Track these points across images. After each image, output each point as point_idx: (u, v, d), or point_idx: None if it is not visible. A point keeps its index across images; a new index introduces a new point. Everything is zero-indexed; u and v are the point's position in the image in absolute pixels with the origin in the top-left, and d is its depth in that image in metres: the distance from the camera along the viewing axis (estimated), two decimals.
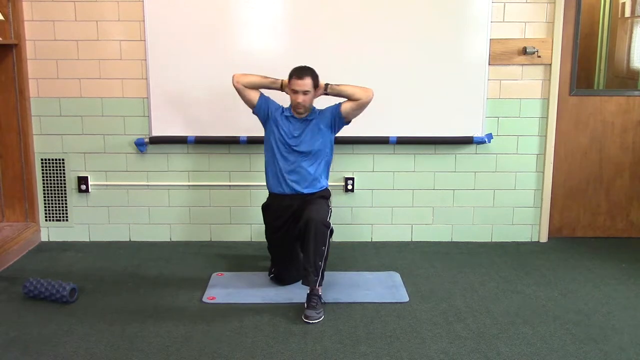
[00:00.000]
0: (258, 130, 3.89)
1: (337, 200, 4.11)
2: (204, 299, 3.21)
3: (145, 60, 3.92)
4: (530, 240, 4.25)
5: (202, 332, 2.84)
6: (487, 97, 4.01)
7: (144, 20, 3.87)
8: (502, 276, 3.59)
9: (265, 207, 3.38)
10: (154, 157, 4.07)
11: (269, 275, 3.47)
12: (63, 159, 4.08)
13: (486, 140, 4.04)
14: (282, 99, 3.38)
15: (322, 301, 3.07)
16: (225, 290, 3.34)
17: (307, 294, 3.05)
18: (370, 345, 2.74)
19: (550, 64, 4.00)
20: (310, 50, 3.85)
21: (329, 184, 3.43)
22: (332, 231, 3.12)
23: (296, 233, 3.19)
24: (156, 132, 4.00)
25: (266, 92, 3.40)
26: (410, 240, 4.22)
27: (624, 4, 4.31)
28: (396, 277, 3.55)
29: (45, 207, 4.13)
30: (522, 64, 4.00)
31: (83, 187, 4.09)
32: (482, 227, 4.22)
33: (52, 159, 4.08)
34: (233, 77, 3.33)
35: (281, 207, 3.29)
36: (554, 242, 4.23)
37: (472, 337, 2.82)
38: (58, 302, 3.13)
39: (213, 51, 3.89)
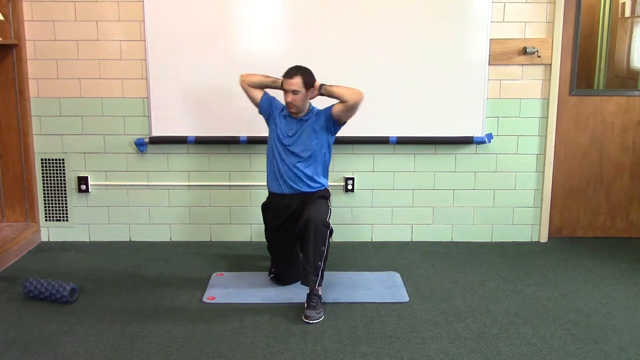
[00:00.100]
0: (258, 130, 3.91)
1: (337, 200, 4.11)
2: (204, 299, 3.21)
3: (146, 60, 3.92)
4: (530, 240, 4.25)
5: (202, 332, 2.84)
6: (487, 97, 4.01)
7: (144, 20, 3.87)
8: (502, 276, 3.59)
9: (264, 207, 3.38)
10: (154, 157, 4.07)
11: (269, 275, 3.47)
12: (63, 159, 4.08)
13: (486, 140, 4.04)
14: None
15: (322, 301, 3.08)
16: (225, 290, 3.34)
17: (307, 294, 3.05)
18: (371, 345, 2.74)
19: (550, 64, 4.00)
20: (310, 50, 3.85)
21: (329, 183, 3.43)
22: (331, 231, 3.13)
23: (296, 233, 3.19)
24: (156, 132, 4.00)
25: (272, 92, 3.40)
26: (410, 240, 4.23)
27: (624, 4, 4.31)
28: (396, 277, 3.55)
29: (45, 207, 4.13)
30: (522, 64, 4.00)
31: (83, 187, 4.09)
32: (482, 227, 4.22)
33: (52, 159, 4.08)
34: (239, 77, 3.42)
35: (280, 206, 3.29)
36: (554, 242, 4.23)
37: (472, 337, 2.82)
38: (58, 302, 3.13)
39: (213, 51, 3.89)
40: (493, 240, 4.24)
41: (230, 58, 3.89)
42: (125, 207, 4.14)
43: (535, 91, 4.05)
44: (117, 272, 3.61)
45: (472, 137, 4.04)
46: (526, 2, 3.93)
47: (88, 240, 4.17)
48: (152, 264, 3.75)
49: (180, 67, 3.91)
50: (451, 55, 3.95)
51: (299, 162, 3.24)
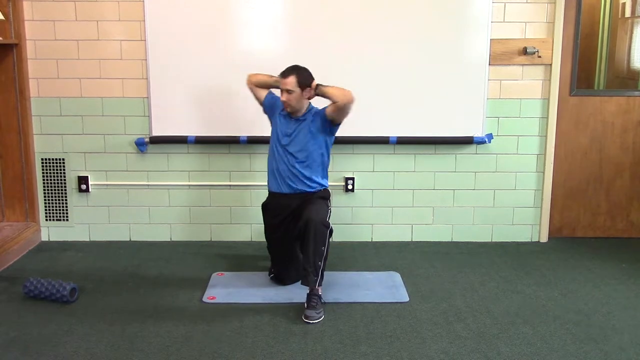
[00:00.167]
0: (258, 130, 3.92)
1: (338, 200, 4.12)
2: (204, 299, 3.21)
3: (146, 60, 3.92)
4: (530, 240, 4.25)
5: (203, 332, 2.84)
6: (487, 97, 4.01)
7: (144, 20, 3.87)
8: (502, 276, 3.59)
9: (264, 206, 3.39)
10: (154, 156, 4.07)
11: (269, 275, 3.47)
12: (63, 159, 4.08)
13: (486, 140, 4.04)
14: None
15: (322, 301, 3.08)
16: (225, 290, 3.34)
17: (307, 294, 3.05)
18: (371, 345, 2.74)
19: (551, 64, 4.00)
20: (310, 50, 3.85)
21: (329, 183, 3.43)
22: (331, 231, 3.13)
23: (296, 233, 3.19)
24: (156, 132, 4.00)
25: (278, 92, 3.40)
26: (410, 240, 4.23)
27: (624, 4, 4.31)
28: (396, 277, 3.55)
29: (45, 206, 4.13)
30: (523, 64, 4.00)
31: (83, 186, 4.09)
32: (482, 227, 4.22)
33: (53, 159, 4.08)
34: (246, 77, 3.50)
35: (279, 205, 3.30)
36: (554, 242, 4.23)
37: (472, 337, 2.82)
38: (58, 302, 3.13)
39: (213, 51, 3.89)
40: (493, 240, 4.24)
41: (230, 58, 3.89)
42: (125, 207, 4.14)
43: (535, 91, 4.05)
44: (117, 271, 3.62)
45: (472, 137, 4.04)
46: (526, 2, 3.93)
47: (88, 240, 4.17)
48: (152, 263, 3.75)
49: (181, 67, 3.91)
50: (451, 55, 3.94)
51: (296, 162, 3.24)
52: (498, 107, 4.05)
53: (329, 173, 3.45)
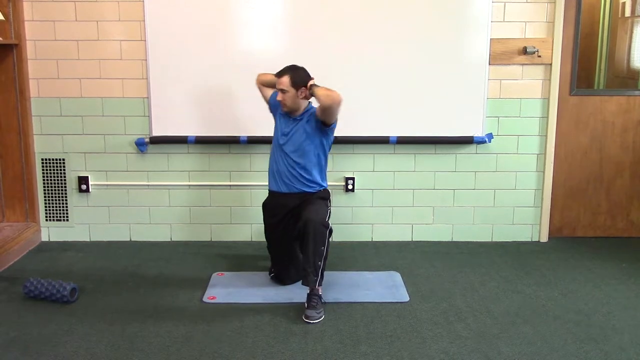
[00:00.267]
0: (258, 130, 3.92)
1: (338, 200, 4.12)
2: (205, 299, 3.21)
3: (146, 60, 3.92)
4: (530, 240, 4.25)
5: (203, 332, 2.84)
6: (487, 97, 4.01)
7: (144, 20, 3.87)
8: (503, 276, 3.59)
9: (263, 206, 3.40)
10: (155, 157, 4.07)
11: (270, 275, 3.47)
12: (63, 159, 4.08)
13: (486, 140, 4.04)
14: None
15: (323, 301, 3.08)
16: (225, 290, 3.34)
17: (307, 293, 3.05)
18: (371, 345, 2.74)
19: (551, 64, 4.00)
20: (310, 50, 3.85)
21: (329, 183, 3.43)
22: (331, 231, 3.12)
23: (295, 233, 3.20)
24: (156, 132, 4.00)
25: None
26: (410, 240, 4.23)
27: (624, 3, 4.31)
28: (396, 276, 3.55)
29: (45, 207, 4.13)
30: (523, 64, 4.00)
31: (83, 187, 4.09)
32: (483, 227, 4.22)
33: (53, 159, 4.08)
34: (256, 76, 3.58)
35: (278, 205, 3.31)
36: (555, 242, 4.23)
37: (472, 337, 2.82)
38: (58, 302, 3.13)
39: (213, 51, 3.89)
40: (493, 240, 4.24)
41: (230, 58, 3.89)
42: (125, 207, 4.14)
43: (535, 91, 4.05)
44: (117, 272, 3.62)
45: (472, 136, 4.04)
46: (526, 2, 3.93)
47: (88, 240, 4.17)
48: (152, 263, 3.75)
49: (181, 67, 3.91)
50: (451, 55, 3.94)
51: (293, 161, 3.24)
52: (498, 106, 4.05)
53: (329, 173, 3.45)
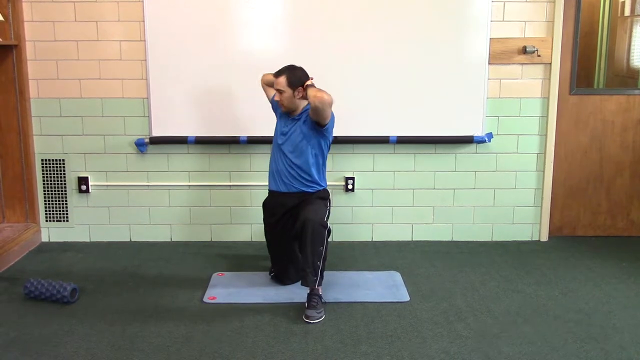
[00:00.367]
0: (258, 130, 3.92)
1: (338, 200, 4.12)
2: (205, 299, 3.21)
3: (145, 60, 3.92)
4: (530, 240, 4.25)
5: (203, 332, 2.84)
6: (487, 97, 4.01)
7: (144, 21, 3.87)
8: (503, 275, 3.59)
9: (263, 205, 3.40)
10: (154, 157, 4.07)
11: (270, 275, 3.47)
12: (63, 160, 4.08)
13: (486, 139, 4.04)
14: None
15: (323, 301, 3.08)
16: (225, 290, 3.34)
17: (308, 293, 3.05)
18: (371, 344, 2.74)
19: (550, 63, 4.00)
20: (310, 50, 3.85)
21: (329, 183, 3.43)
22: (329, 231, 3.12)
23: (294, 233, 3.20)
24: (156, 132, 4.00)
25: None
26: (410, 239, 4.22)
27: (623, 2, 4.31)
28: (397, 276, 3.55)
29: (45, 207, 4.13)
30: (522, 63, 4.00)
31: (83, 187, 4.09)
32: (483, 227, 4.22)
33: (53, 160, 4.08)
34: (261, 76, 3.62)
35: (277, 204, 3.31)
36: (555, 241, 4.23)
37: (473, 337, 2.82)
38: (59, 303, 3.13)
39: (213, 51, 3.89)
40: (493, 240, 4.24)
41: (230, 58, 3.89)
42: (125, 208, 4.14)
43: (535, 90, 4.05)
44: (117, 272, 3.62)
45: (472, 136, 4.04)
46: (526, 2, 3.93)
47: (88, 240, 4.17)
48: (152, 264, 3.75)
49: (180, 67, 3.91)
50: (451, 55, 3.94)
51: (291, 161, 3.25)
52: (498, 106, 4.05)
53: (329, 173, 3.45)
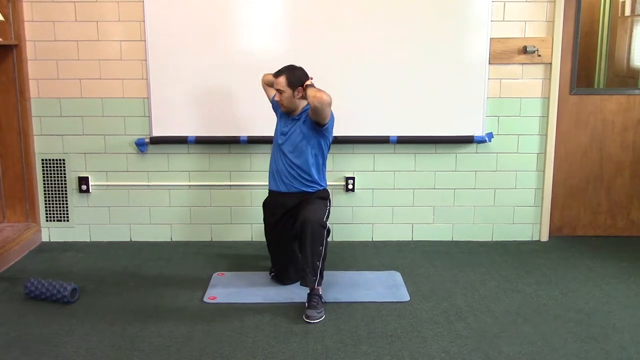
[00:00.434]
0: (258, 130, 3.92)
1: (338, 200, 4.12)
2: (205, 299, 3.21)
3: (146, 60, 3.92)
4: (530, 239, 4.25)
5: (203, 332, 2.84)
6: (487, 96, 4.01)
7: (144, 21, 3.87)
8: (503, 275, 3.59)
9: (263, 205, 3.40)
10: (155, 157, 4.07)
11: (270, 274, 3.47)
12: (64, 159, 4.08)
13: (486, 139, 4.04)
14: None
15: (323, 301, 3.08)
16: (226, 290, 3.34)
17: (308, 293, 3.05)
18: (372, 344, 2.74)
19: (551, 63, 4.00)
20: (310, 50, 3.85)
21: (330, 183, 3.43)
22: (329, 231, 3.12)
23: (293, 233, 3.20)
24: (157, 132, 4.00)
25: None
26: (410, 239, 4.23)
27: (624, 2, 4.31)
28: (397, 276, 3.55)
29: (45, 207, 4.13)
30: (523, 63, 4.00)
31: (84, 187, 4.10)
32: (483, 226, 4.22)
33: (53, 160, 4.08)
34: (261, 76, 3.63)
35: (277, 204, 3.31)
36: (555, 241, 4.23)
37: (473, 336, 2.82)
38: (59, 303, 3.14)
39: (213, 51, 3.89)
40: (494, 240, 4.24)
41: (230, 58, 3.89)
42: (125, 207, 4.14)
43: (535, 90, 4.05)
44: (117, 272, 3.62)
45: (472, 136, 4.04)
46: (526, 1, 3.93)
47: (89, 240, 4.17)
48: (152, 264, 3.75)
49: (181, 67, 3.91)
50: (451, 55, 3.94)
51: (291, 161, 3.25)
52: (498, 106, 4.05)
53: (329, 173, 3.45)
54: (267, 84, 3.52)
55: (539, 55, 3.97)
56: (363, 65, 3.91)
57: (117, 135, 4.04)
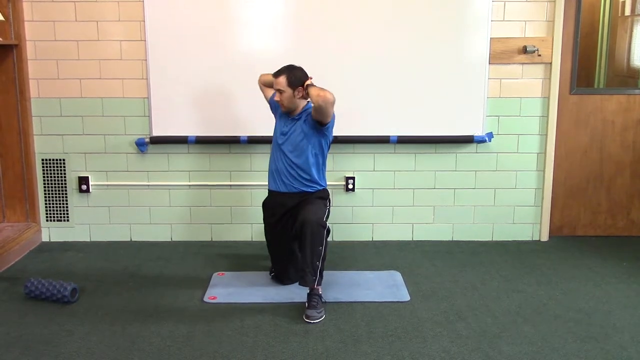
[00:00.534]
0: (258, 130, 3.92)
1: (338, 200, 4.12)
2: (205, 299, 3.21)
3: (146, 60, 3.92)
4: (531, 239, 4.25)
5: (203, 332, 2.84)
6: (487, 96, 4.01)
7: (144, 21, 3.87)
8: (503, 275, 3.59)
9: (263, 205, 3.40)
10: (155, 157, 4.07)
11: (270, 274, 3.47)
12: (64, 159, 4.08)
13: (487, 139, 4.04)
14: None
15: (323, 300, 3.08)
16: (226, 289, 3.34)
17: (308, 293, 3.05)
18: (372, 344, 2.74)
19: (551, 63, 4.00)
20: (310, 50, 3.85)
21: (330, 183, 3.43)
22: (328, 231, 3.12)
23: (293, 233, 3.20)
24: (157, 132, 4.01)
25: None
26: (411, 239, 4.23)
27: (624, 2, 4.31)
28: (397, 276, 3.55)
29: (46, 207, 4.13)
30: (523, 63, 4.00)
31: (84, 187, 4.10)
32: (483, 226, 4.22)
33: (53, 159, 4.08)
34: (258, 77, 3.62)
35: (277, 204, 3.31)
36: (555, 241, 4.23)
37: (473, 336, 2.82)
38: (59, 302, 3.14)
39: (213, 51, 3.89)
40: (494, 239, 4.24)
41: (230, 58, 3.89)
42: (126, 207, 4.14)
43: (535, 90, 4.05)
44: (117, 272, 3.62)
45: (472, 136, 4.04)
46: (526, 1, 3.93)
47: (89, 240, 4.17)
48: (152, 263, 3.75)
49: (181, 67, 3.91)
50: (451, 55, 3.94)
51: (291, 161, 3.25)
52: (498, 105, 4.05)
53: (329, 172, 3.45)
54: (265, 84, 3.52)
55: (539, 55, 3.97)
56: (363, 65, 3.91)
57: (117, 135, 4.04)
